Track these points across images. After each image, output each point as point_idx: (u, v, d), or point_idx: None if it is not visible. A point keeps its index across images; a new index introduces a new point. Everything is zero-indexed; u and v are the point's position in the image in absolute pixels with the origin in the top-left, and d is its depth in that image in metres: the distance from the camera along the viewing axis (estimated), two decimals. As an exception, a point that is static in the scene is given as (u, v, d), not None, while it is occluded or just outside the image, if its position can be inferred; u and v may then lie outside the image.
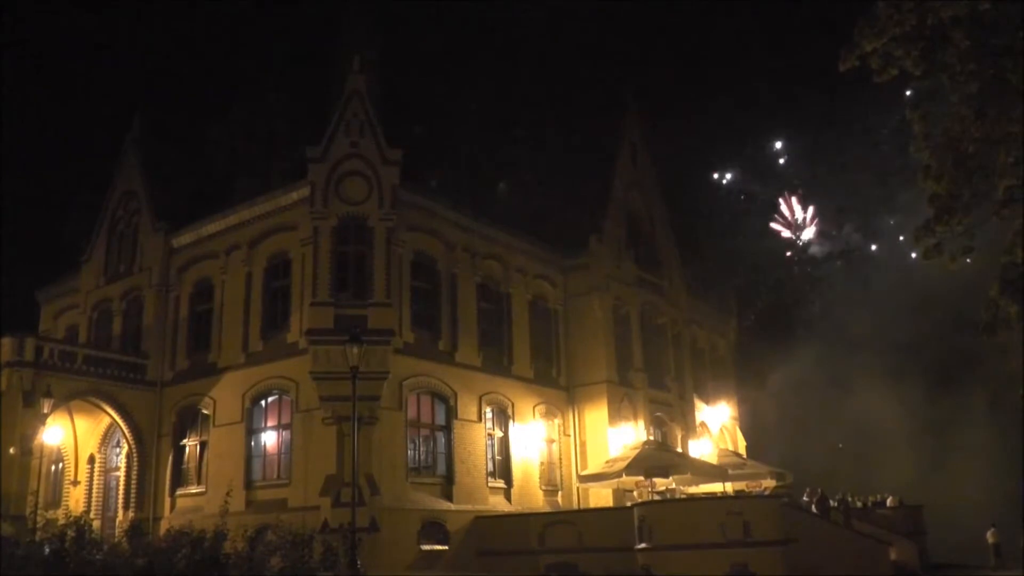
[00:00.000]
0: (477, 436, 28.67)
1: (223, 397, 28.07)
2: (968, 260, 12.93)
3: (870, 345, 51.16)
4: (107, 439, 31.18)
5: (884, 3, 12.54)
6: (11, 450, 25.40)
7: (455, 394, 28.19)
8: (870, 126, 62.93)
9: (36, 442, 26.06)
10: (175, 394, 29.68)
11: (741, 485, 32.84)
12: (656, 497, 28.02)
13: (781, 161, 72.26)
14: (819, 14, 67.28)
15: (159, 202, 32.54)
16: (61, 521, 16.72)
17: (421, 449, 27.49)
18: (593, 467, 30.59)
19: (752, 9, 75.89)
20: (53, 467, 31.80)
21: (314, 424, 25.00)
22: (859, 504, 34.66)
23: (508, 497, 29.25)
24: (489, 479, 28.80)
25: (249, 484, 26.42)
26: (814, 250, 70.27)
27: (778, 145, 71.55)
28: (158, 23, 70.77)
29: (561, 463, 32.08)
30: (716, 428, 40.38)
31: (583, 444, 32.36)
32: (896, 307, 49.84)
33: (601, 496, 31.26)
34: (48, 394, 25.22)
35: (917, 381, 47.23)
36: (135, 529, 19.25)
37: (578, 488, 31.45)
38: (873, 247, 65.22)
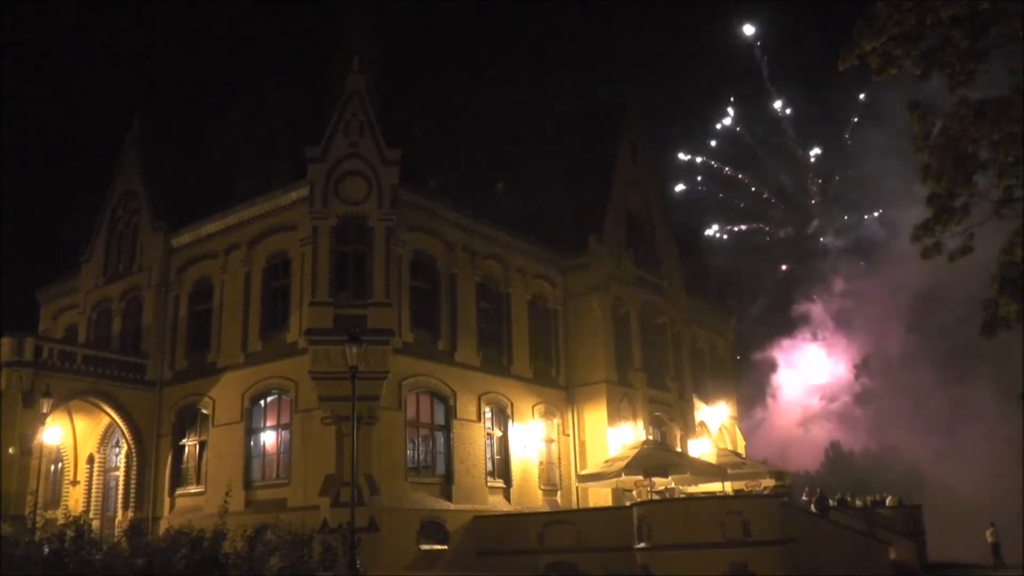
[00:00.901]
0: (476, 436, 28.67)
1: (222, 397, 28.08)
2: (973, 251, 12.94)
3: (874, 342, 51.10)
4: (106, 439, 31.19)
5: (884, 2, 12.55)
6: (10, 450, 25.42)
7: (454, 394, 28.20)
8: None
9: (35, 442, 26.08)
10: (174, 394, 29.69)
11: (740, 484, 32.87)
12: (655, 497, 28.04)
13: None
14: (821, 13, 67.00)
15: (159, 202, 32.53)
16: (60, 521, 16.74)
17: (420, 449, 27.50)
18: (592, 467, 30.61)
19: (756, 8, 75.57)
20: (52, 467, 31.80)
21: (313, 424, 25.01)
22: (858, 503, 34.65)
23: (507, 497, 29.25)
24: (488, 479, 28.81)
25: (248, 484, 26.42)
26: (826, 241, 69.43)
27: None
28: (158, 23, 70.80)
29: (560, 463, 32.09)
30: (715, 427, 40.41)
31: (582, 444, 32.37)
32: (904, 301, 49.64)
33: (600, 496, 31.28)
34: (47, 394, 25.21)
35: (921, 378, 47.18)
36: (134, 529, 19.32)
37: (577, 488, 31.45)
38: (881, 237, 63.90)
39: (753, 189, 70.98)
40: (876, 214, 64.29)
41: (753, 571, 21.70)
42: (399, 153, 26.73)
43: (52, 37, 71.52)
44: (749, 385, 46.07)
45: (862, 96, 64.24)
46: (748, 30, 67.41)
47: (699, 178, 70.15)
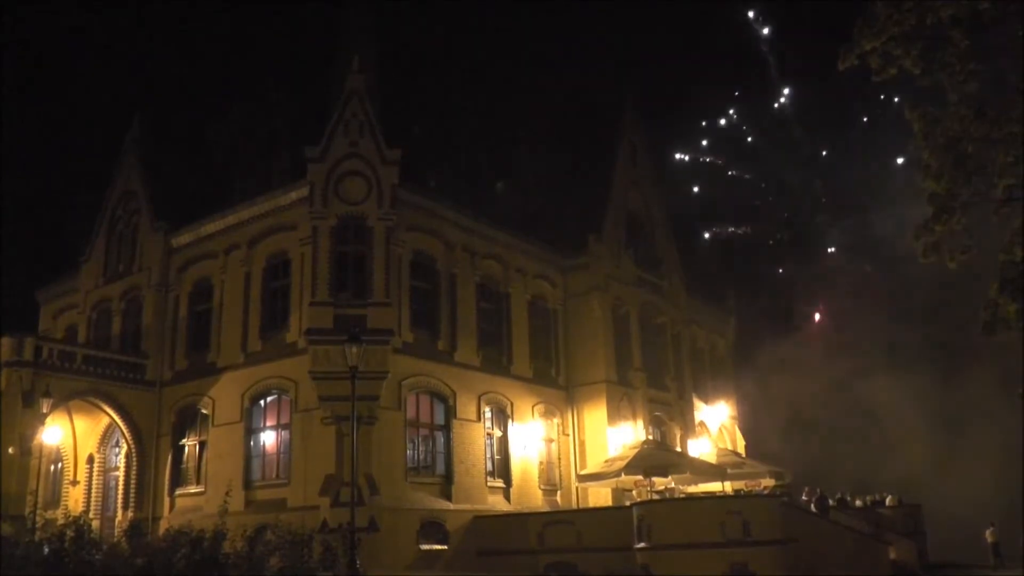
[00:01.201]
0: (476, 436, 28.67)
1: (222, 397, 28.07)
2: (972, 250, 12.95)
3: (877, 339, 50.81)
4: (106, 439, 31.19)
5: (884, 2, 12.56)
6: (10, 450, 25.42)
7: (454, 394, 28.20)
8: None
9: (35, 442, 26.07)
10: (174, 394, 29.69)
11: (740, 484, 32.86)
12: (655, 496, 28.04)
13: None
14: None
15: (159, 202, 32.54)
16: (60, 521, 16.72)
17: (420, 449, 27.50)
18: (592, 466, 30.61)
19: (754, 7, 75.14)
20: (52, 467, 31.81)
21: (313, 424, 25.01)
22: (858, 503, 34.62)
23: (507, 497, 29.26)
24: (488, 479, 28.81)
25: (248, 484, 26.43)
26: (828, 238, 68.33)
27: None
28: (158, 23, 70.74)
29: (560, 462, 32.09)
30: (715, 427, 40.42)
31: (582, 443, 32.37)
32: (907, 300, 49.33)
33: (600, 495, 31.28)
34: (47, 394, 25.21)
35: (923, 377, 46.97)
36: (134, 529, 19.27)
37: (577, 487, 31.45)
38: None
39: (762, 186, 70.24)
40: (881, 211, 63.57)
41: (753, 571, 21.69)
42: (399, 153, 26.74)
43: (52, 37, 71.47)
44: (749, 384, 45.89)
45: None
46: (751, 13, 66.27)
47: (699, 179, 69.65)
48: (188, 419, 29.35)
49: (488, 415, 29.58)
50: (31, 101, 66.97)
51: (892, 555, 26.22)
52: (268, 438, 27.15)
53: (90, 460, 31.16)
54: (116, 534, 21.39)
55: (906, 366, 47.53)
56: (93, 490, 30.71)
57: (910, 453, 45.33)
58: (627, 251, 35.93)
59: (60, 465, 31.74)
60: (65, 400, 27.62)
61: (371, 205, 26.43)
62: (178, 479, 28.97)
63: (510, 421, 30.25)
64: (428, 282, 28.66)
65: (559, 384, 32.97)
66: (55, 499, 30.93)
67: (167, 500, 28.71)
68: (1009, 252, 12.60)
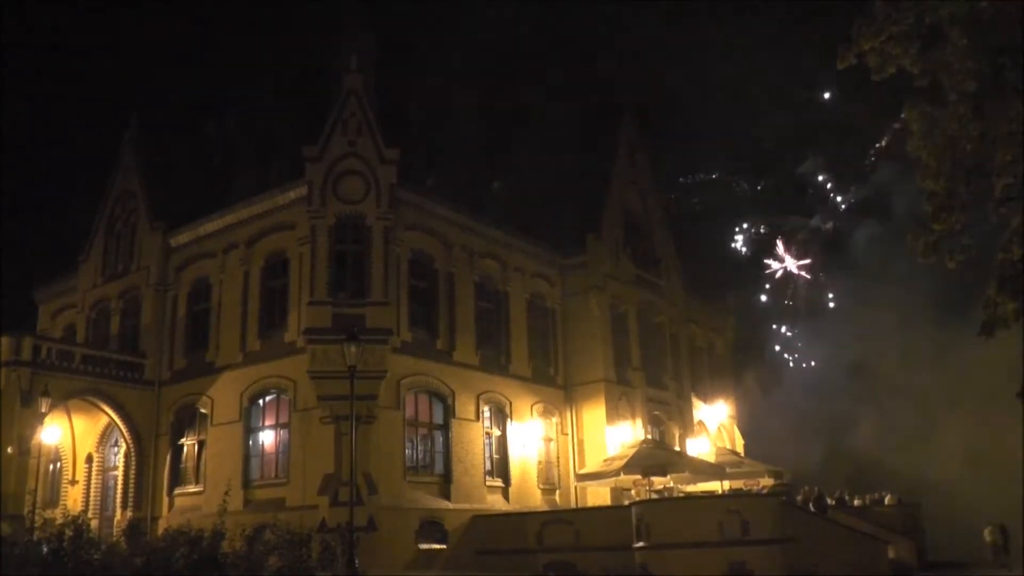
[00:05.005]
0: (475, 435, 28.67)
1: (221, 396, 28.06)
2: (971, 249, 12.94)
3: (875, 338, 50.77)
4: (105, 438, 31.18)
5: (882, 1, 12.54)
6: (9, 449, 25.41)
7: (453, 393, 28.19)
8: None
9: (34, 441, 26.10)
10: (173, 393, 29.67)
11: (739, 483, 32.85)
12: (654, 496, 28.04)
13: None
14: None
15: (157, 201, 32.50)
16: (59, 520, 16.65)
17: (419, 448, 27.50)
18: (591, 466, 30.62)
19: (751, 9, 74.99)
20: (51, 466, 31.78)
21: (312, 423, 25.00)
22: (857, 502, 34.59)
23: (506, 496, 29.26)
24: (487, 478, 28.81)
25: (247, 483, 26.42)
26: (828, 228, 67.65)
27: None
28: (157, 23, 70.70)
29: (559, 462, 32.09)
30: (714, 426, 40.41)
31: (581, 443, 32.38)
32: (905, 297, 49.29)
33: (599, 495, 31.28)
34: (46, 393, 25.19)
35: (922, 375, 46.92)
36: (133, 528, 19.27)
37: (576, 487, 31.46)
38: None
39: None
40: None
41: (751, 570, 21.70)
42: (397, 152, 26.74)
43: (52, 37, 71.41)
44: (748, 383, 45.90)
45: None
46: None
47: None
48: (187, 418, 29.33)
49: (487, 414, 29.58)
50: (31, 101, 66.98)
51: (891, 554, 26.21)
52: (267, 437, 27.14)
53: (89, 459, 31.15)
54: (115, 533, 21.39)
55: (905, 364, 47.54)
56: (92, 489, 30.71)
57: (910, 452, 45.34)
58: (625, 250, 35.94)
59: (59, 464, 31.73)
60: (64, 399, 27.61)
61: (369, 204, 26.42)
62: (177, 479, 28.96)
63: (509, 420, 30.25)
64: (426, 281, 28.64)
65: (557, 383, 32.97)
66: (54, 498, 30.91)
67: (166, 500, 28.71)
68: (1007, 251, 12.59)
